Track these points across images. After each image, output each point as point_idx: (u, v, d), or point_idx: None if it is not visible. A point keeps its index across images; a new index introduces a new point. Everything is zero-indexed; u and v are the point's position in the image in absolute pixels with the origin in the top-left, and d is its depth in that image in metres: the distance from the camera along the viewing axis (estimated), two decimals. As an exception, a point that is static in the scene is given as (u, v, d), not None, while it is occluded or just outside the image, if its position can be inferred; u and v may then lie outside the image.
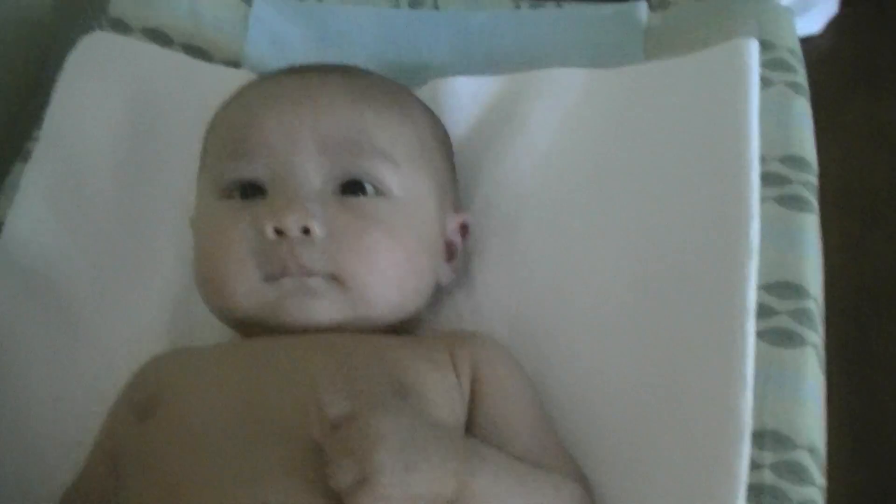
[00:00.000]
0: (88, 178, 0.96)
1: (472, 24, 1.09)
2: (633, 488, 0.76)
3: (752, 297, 0.79)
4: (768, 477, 0.73)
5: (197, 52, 1.08)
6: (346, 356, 0.76)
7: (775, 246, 0.84)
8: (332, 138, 0.81)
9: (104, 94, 1.00)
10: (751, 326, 0.78)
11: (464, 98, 0.99)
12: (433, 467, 0.64)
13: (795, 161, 0.89)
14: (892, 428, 1.01)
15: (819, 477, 0.74)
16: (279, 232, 0.77)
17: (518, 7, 1.11)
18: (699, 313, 0.80)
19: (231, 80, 0.93)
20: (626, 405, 0.80)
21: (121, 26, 1.07)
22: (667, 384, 0.79)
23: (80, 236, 0.94)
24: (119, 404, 0.81)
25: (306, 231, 0.77)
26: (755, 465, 0.73)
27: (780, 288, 0.82)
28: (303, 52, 1.06)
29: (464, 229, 0.90)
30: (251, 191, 0.81)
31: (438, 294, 0.89)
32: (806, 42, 1.03)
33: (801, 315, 0.80)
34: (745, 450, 0.73)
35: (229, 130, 0.85)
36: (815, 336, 0.80)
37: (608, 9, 1.07)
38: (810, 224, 0.86)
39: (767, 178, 0.87)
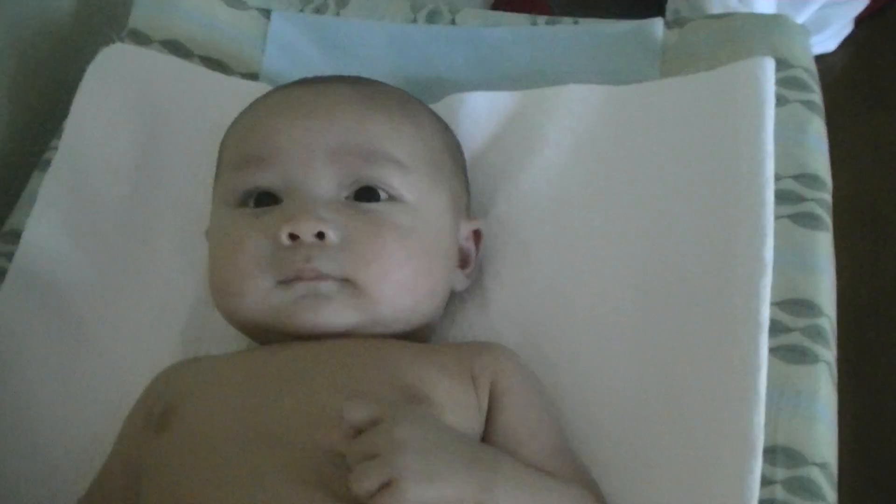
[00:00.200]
0: (105, 189, 0.97)
1: (488, 41, 1.09)
2: (644, 502, 0.77)
3: (765, 313, 0.80)
4: (780, 493, 0.73)
5: (215, 64, 1.09)
6: (360, 365, 0.76)
7: (789, 263, 0.84)
8: (344, 146, 0.81)
9: (122, 105, 1.01)
10: (764, 342, 0.78)
11: (480, 113, 1.00)
12: (456, 473, 0.65)
13: (809, 179, 0.89)
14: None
15: (831, 493, 0.74)
16: (294, 237, 0.78)
17: (535, 24, 1.12)
18: (713, 329, 0.81)
19: (248, 93, 0.94)
20: (636, 420, 0.81)
21: (140, 38, 1.08)
22: (679, 399, 0.79)
23: (94, 247, 0.94)
24: (136, 413, 0.82)
25: (320, 236, 0.78)
26: (767, 481, 0.73)
27: (793, 305, 0.82)
28: (320, 65, 1.07)
29: (477, 236, 0.91)
30: (265, 199, 0.82)
31: (452, 302, 0.90)
32: (820, 61, 1.03)
33: (814, 332, 0.81)
34: (757, 466, 0.73)
35: (243, 141, 0.86)
36: (828, 353, 0.80)
37: (624, 26, 1.08)
38: (824, 242, 0.87)
39: (781, 196, 0.87)
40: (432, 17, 1.13)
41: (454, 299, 0.90)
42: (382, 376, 0.75)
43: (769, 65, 0.94)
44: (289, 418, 0.72)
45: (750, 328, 0.79)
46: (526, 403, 0.78)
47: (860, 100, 1.30)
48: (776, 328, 0.80)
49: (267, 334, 0.81)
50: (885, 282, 1.15)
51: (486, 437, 0.76)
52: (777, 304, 0.82)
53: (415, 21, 1.13)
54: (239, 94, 0.96)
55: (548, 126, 0.97)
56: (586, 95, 0.99)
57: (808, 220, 0.87)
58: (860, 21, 1.40)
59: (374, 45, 1.10)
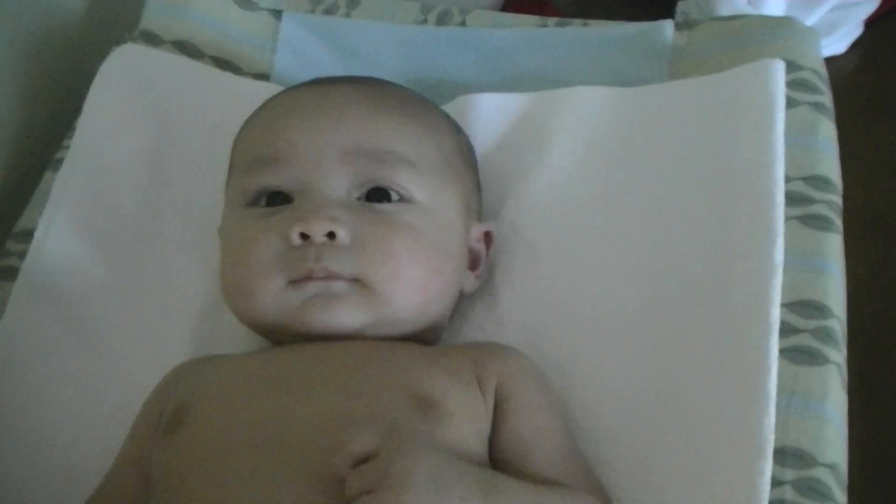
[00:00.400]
0: (116, 188, 0.97)
1: (498, 43, 1.09)
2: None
3: (775, 314, 0.80)
4: (789, 494, 0.73)
5: (226, 65, 1.09)
6: (370, 370, 0.76)
7: (798, 265, 0.84)
8: (356, 147, 0.82)
9: (133, 105, 1.01)
10: (774, 344, 0.78)
11: (489, 115, 1.00)
12: None
13: (819, 181, 0.89)
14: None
15: (840, 495, 0.74)
16: (305, 237, 0.78)
17: (544, 25, 1.12)
18: (723, 331, 0.81)
19: (259, 93, 0.94)
20: (645, 421, 0.80)
21: (151, 38, 1.09)
22: (688, 401, 0.79)
23: (106, 246, 0.94)
24: (146, 412, 0.82)
25: (331, 236, 0.78)
26: (777, 483, 0.73)
27: (803, 307, 0.82)
28: (330, 66, 1.08)
29: (488, 238, 0.91)
30: (277, 199, 0.82)
31: (461, 303, 0.90)
32: (830, 63, 1.03)
33: (824, 334, 0.81)
34: (768, 467, 0.73)
35: (255, 141, 0.86)
36: (838, 355, 0.80)
37: (634, 28, 1.08)
38: (834, 243, 0.87)
39: (791, 198, 0.87)
40: (442, 19, 1.13)
41: (464, 300, 0.90)
42: (392, 381, 0.75)
43: (779, 67, 0.94)
44: (299, 423, 0.72)
45: (760, 329, 0.79)
46: (532, 407, 0.78)
47: (869, 107, 1.29)
48: (786, 329, 0.80)
49: (278, 334, 0.81)
50: (893, 286, 1.14)
51: (492, 441, 0.76)
52: (787, 306, 0.81)
53: (425, 22, 1.13)
54: (250, 94, 0.97)
55: (557, 128, 0.97)
56: (595, 97, 0.99)
57: (817, 222, 0.87)
58: (870, 23, 1.40)
59: (384, 46, 1.10)
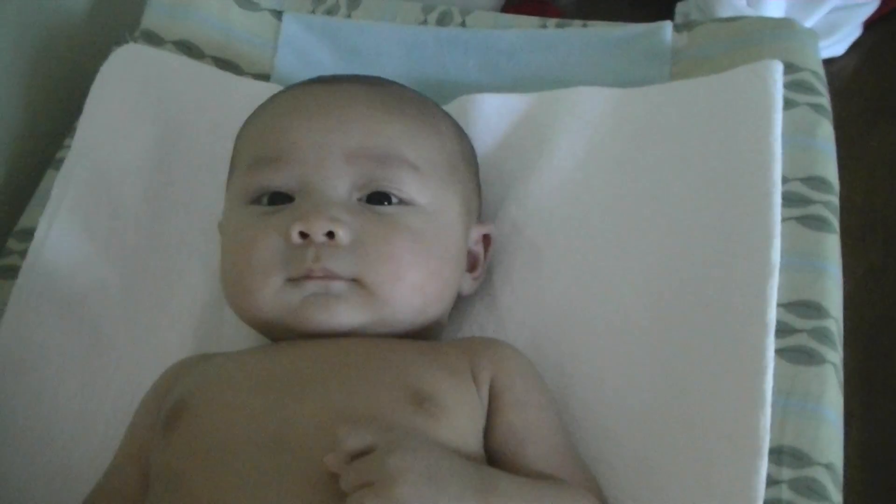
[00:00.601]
0: (117, 187, 0.97)
1: (498, 43, 1.09)
2: (650, 501, 0.77)
3: (772, 314, 0.80)
4: (786, 493, 0.74)
5: (227, 65, 1.10)
6: (368, 367, 0.77)
7: (796, 265, 0.84)
8: (359, 149, 0.82)
9: (135, 105, 1.02)
10: (771, 344, 0.79)
11: (491, 116, 1.00)
12: (451, 501, 0.65)
13: (817, 182, 0.90)
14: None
15: (836, 494, 0.74)
16: (304, 236, 0.78)
17: (545, 26, 1.12)
18: (719, 330, 0.81)
19: (260, 93, 0.94)
20: (643, 420, 0.81)
21: (153, 38, 1.09)
22: (685, 399, 0.79)
23: (107, 244, 0.95)
24: (144, 409, 0.82)
25: (331, 236, 0.78)
26: (773, 482, 0.74)
27: (800, 307, 0.82)
28: (331, 67, 1.08)
29: (486, 240, 0.91)
30: (279, 198, 0.82)
31: (461, 304, 0.90)
32: (829, 64, 1.03)
33: (821, 334, 0.81)
34: (763, 466, 0.73)
35: (259, 138, 0.86)
36: (835, 355, 0.81)
37: (634, 29, 1.08)
38: (831, 244, 0.87)
39: (789, 198, 0.87)
40: (443, 20, 1.13)
41: (464, 300, 0.90)
42: (390, 379, 0.75)
43: (777, 68, 0.94)
44: (297, 421, 0.72)
45: (757, 329, 0.79)
46: (526, 401, 0.78)
47: (868, 110, 1.29)
48: (783, 329, 0.81)
49: (277, 331, 0.81)
50: (893, 288, 1.14)
51: (487, 435, 0.76)
52: (784, 306, 0.82)
53: (425, 23, 1.13)
54: (250, 94, 0.97)
55: (558, 128, 0.98)
56: (596, 98, 0.99)
57: (815, 223, 0.87)
58: (869, 25, 1.40)
59: (385, 47, 1.11)
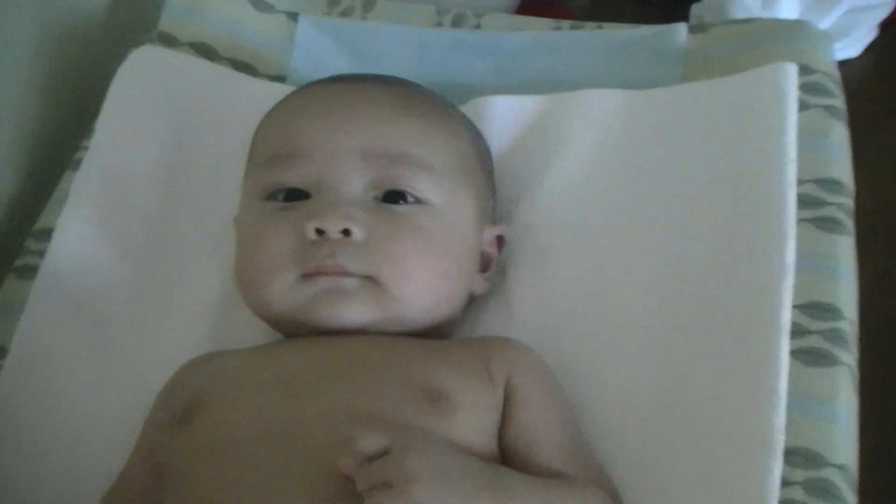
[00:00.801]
0: (134, 188, 0.98)
1: (512, 46, 1.09)
2: (663, 501, 0.77)
3: (786, 316, 0.80)
4: (799, 494, 0.73)
5: (242, 66, 1.10)
6: (381, 365, 0.77)
7: (810, 267, 0.84)
8: (376, 148, 0.82)
9: (151, 106, 1.02)
10: (785, 345, 0.79)
11: (503, 117, 1.00)
12: (465, 500, 0.65)
13: (831, 183, 0.89)
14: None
15: (850, 496, 0.74)
16: (320, 232, 0.79)
17: (558, 28, 1.12)
18: (733, 331, 0.81)
19: (276, 95, 0.95)
20: (657, 422, 0.81)
21: (169, 40, 1.10)
22: (699, 400, 0.79)
23: (124, 245, 0.95)
24: (157, 409, 0.83)
25: (346, 233, 0.79)
26: (786, 483, 0.73)
27: (814, 308, 0.82)
28: (345, 69, 1.07)
29: (500, 241, 0.91)
30: (294, 194, 0.83)
31: (474, 305, 0.90)
32: (843, 66, 1.02)
33: (835, 336, 0.81)
34: (778, 466, 0.73)
35: (276, 135, 0.87)
36: (849, 356, 0.80)
37: (648, 31, 1.08)
38: (845, 246, 0.87)
39: (803, 200, 0.87)
40: (457, 22, 1.14)
41: (477, 301, 0.91)
42: (402, 376, 0.76)
43: (792, 70, 0.94)
44: (308, 419, 0.72)
45: (771, 331, 0.79)
46: (540, 399, 0.79)
47: (882, 107, 1.29)
48: (797, 331, 0.80)
49: (289, 327, 0.82)
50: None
51: (500, 433, 0.77)
52: (798, 307, 0.82)
53: (440, 25, 1.14)
54: (266, 96, 0.97)
55: (571, 130, 0.98)
56: (609, 99, 0.99)
57: (829, 225, 0.87)
58: (884, 27, 1.39)
59: (399, 49, 1.11)
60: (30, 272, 0.93)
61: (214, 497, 0.70)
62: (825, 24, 1.29)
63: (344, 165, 0.82)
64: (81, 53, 1.12)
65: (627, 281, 0.88)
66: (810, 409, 0.77)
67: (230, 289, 0.90)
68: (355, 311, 0.79)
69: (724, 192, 0.89)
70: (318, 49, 1.12)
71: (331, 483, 0.67)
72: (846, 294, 0.84)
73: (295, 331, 0.82)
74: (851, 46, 1.36)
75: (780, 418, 0.75)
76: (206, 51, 1.10)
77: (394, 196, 0.82)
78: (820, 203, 0.88)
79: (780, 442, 0.74)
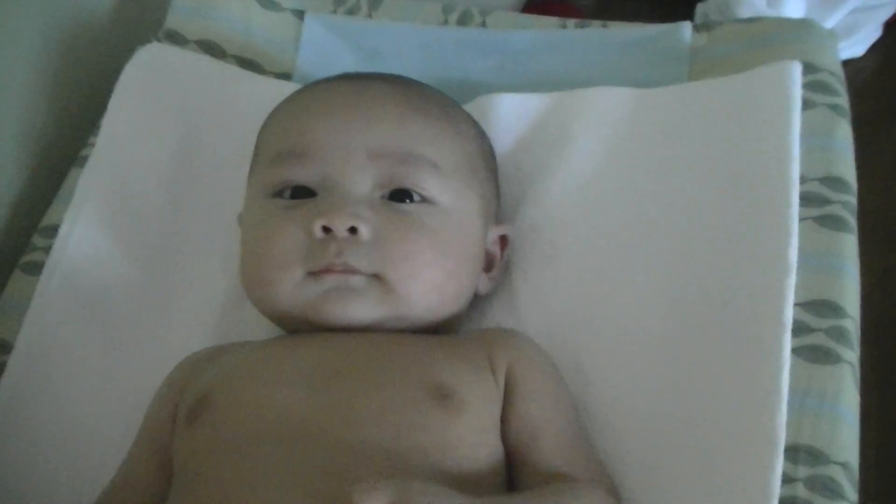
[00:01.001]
0: (140, 185, 0.98)
1: (518, 44, 1.10)
2: (666, 498, 0.77)
3: (789, 313, 0.80)
4: (801, 491, 0.74)
5: (249, 64, 1.10)
6: (388, 362, 0.77)
7: (813, 265, 0.84)
8: (383, 148, 0.83)
9: (157, 103, 1.03)
10: (787, 343, 0.79)
11: (510, 115, 1.00)
12: None
13: (835, 182, 0.90)
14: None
15: (852, 493, 0.74)
16: (327, 230, 0.79)
17: (564, 27, 1.12)
18: (737, 329, 0.81)
19: (282, 92, 0.95)
20: (661, 420, 0.81)
21: (176, 38, 1.10)
22: (702, 398, 0.80)
23: (129, 241, 0.96)
24: (159, 403, 0.83)
25: (353, 231, 0.79)
26: (789, 479, 0.74)
27: (817, 306, 0.82)
28: (352, 67, 1.08)
29: (503, 241, 0.91)
30: (301, 192, 0.83)
31: (480, 303, 0.91)
32: (848, 65, 1.02)
33: (838, 333, 0.81)
34: (779, 464, 0.74)
35: (283, 132, 0.87)
36: (852, 354, 0.81)
37: (653, 30, 1.08)
38: (849, 244, 0.87)
39: (807, 198, 0.88)
40: (463, 20, 1.14)
41: (482, 299, 0.91)
42: (409, 373, 0.76)
43: (796, 68, 0.94)
44: (319, 416, 0.73)
45: (773, 328, 0.79)
46: (540, 392, 0.79)
47: (887, 106, 1.29)
48: (800, 329, 0.81)
49: (296, 324, 0.82)
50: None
51: (502, 425, 0.77)
52: (801, 305, 0.82)
53: (446, 23, 1.14)
54: (272, 93, 0.97)
55: (577, 128, 0.98)
56: (615, 97, 0.99)
57: (833, 223, 0.87)
58: (889, 26, 1.39)
59: (405, 47, 1.11)
60: (36, 268, 0.94)
61: (234, 495, 0.69)
62: (830, 22, 1.29)
63: (351, 164, 0.82)
64: (88, 51, 1.12)
65: (633, 279, 0.88)
66: (813, 407, 0.77)
67: (237, 284, 0.90)
68: (361, 309, 0.79)
69: (728, 191, 0.89)
70: (324, 47, 1.13)
71: (342, 478, 0.68)
72: (850, 292, 0.84)
73: (301, 328, 0.82)
74: (856, 46, 1.36)
75: (782, 415, 0.75)
76: (212, 49, 1.10)
77: (400, 195, 0.82)
78: (824, 201, 0.88)
79: (781, 438, 0.75)
